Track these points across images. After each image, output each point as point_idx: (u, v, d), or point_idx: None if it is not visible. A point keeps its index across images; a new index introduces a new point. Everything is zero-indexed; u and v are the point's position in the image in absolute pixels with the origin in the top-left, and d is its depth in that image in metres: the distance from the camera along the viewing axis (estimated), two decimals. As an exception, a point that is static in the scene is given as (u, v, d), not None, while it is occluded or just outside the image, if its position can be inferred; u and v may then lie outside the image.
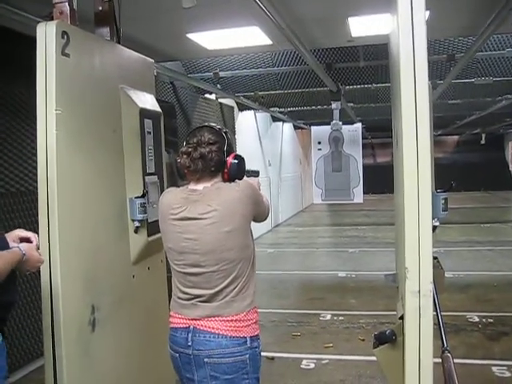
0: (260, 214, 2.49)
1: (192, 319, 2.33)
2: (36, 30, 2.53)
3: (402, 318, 2.14)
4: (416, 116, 2.02)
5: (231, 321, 2.30)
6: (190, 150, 2.34)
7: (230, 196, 2.31)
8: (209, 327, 2.30)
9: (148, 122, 3.24)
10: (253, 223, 2.44)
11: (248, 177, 2.70)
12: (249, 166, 2.71)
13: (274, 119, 14.61)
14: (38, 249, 2.39)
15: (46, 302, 2.53)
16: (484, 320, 5.82)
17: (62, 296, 2.50)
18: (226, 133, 2.45)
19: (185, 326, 2.35)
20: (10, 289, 2.25)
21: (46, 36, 2.47)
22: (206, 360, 2.29)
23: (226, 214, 2.28)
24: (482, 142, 21.12)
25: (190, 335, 2.33)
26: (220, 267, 2.29)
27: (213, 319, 2.30)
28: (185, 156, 2.35)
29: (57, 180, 2.50)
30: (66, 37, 2.52)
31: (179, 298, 2.41)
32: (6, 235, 2.36)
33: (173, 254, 2.40)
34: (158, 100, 3.55)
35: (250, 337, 2.33)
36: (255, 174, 2.76)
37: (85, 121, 2.72)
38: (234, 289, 2.32)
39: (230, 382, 2.30)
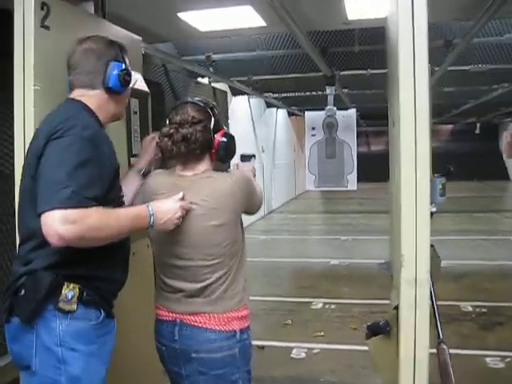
0: (252, 207, 2.32)
1: (178, 313, 2.21)
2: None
3: (396, 308, 2.04)
4: (415, 98, 1.94)
5: (219, 317, 2.17)
6: (171, 131, 2.14)
7: (221, 188, 2.15)
8: (196, 321, 2.17)
9: (134, 102, 3.09)
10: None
11: (243, 161, 2.55)
12: (243, 151, 2.57)
13: (268, 105, 14.47)
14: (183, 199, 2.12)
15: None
16: (477, 310, 5.77)
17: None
18: (212, 108, 2.23)
19: (171, 319, 2.23)
20: (122, 266, 2.20)
21: (24, 7, 2.32)
22: (193, 355, 2.17)
23: (215, 207, 2.12)
24: (477, 131, 21.10)
25: (176, 329, 2.20)
26: (206, 262, 2.15)
27: (200, 315, 2.17)
28: (166, 139, 2.16)
29: (35, 161, 2.37)
30: (45, 8, 2.37)
31: (163, 289, 2.28)
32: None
33: (156, 243, 2.26)
34: (146, 80, 3.42)
35: (240, 329, 2.20)
36: (250, 158, 2.57)
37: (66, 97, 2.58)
38: (222, 285, 2.17)
39: (219, 377, 2.17)
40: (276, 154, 16.23)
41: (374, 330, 2.14)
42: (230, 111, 10.60)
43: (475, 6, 4.40)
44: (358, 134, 7.97)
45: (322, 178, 7.19)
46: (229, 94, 10.54)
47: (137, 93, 3.14)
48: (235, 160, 2.47)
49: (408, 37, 1.94)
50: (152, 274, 3.37)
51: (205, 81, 8.93)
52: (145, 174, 2.44)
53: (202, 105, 2.21)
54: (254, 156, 2.60)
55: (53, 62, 2.48)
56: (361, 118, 17.02)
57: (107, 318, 2.09)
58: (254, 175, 2.48)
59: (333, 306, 6.12)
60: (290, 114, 17.97)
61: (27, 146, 2.36)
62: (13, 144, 3.93)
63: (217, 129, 2.21)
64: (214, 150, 2.21)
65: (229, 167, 2.42)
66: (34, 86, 2.34)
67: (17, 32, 2.35)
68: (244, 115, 12.62)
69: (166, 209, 2.06)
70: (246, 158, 2.56)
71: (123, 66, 2.17)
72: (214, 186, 2.15)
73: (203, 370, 2.18)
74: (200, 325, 2.17)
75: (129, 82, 2.22)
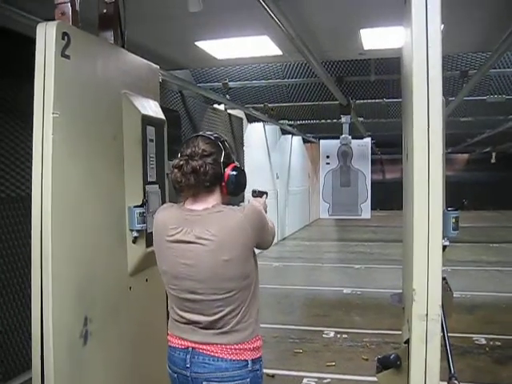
0: (264, 242, 2.29)
1: (191, 342, 2.21)
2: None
3: (407, 342, 2.03)
4: (428, 131, 1.92)
5: (232, 348, 2.17)
6: (181, 163, 2.15)
7: (231, 222, 2.13)
8: (208, 350, 2.17)
9: (150, 130, 3.14)
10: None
11: (254, 197, 2.57)
12: (256, 186, 2.58)
13: (284, 132, 14.52)
14: None
15: (35, 312, 2.42)
16: (491, 343, 5.67)
17: (53, 306, 2.39)
18: (223, 142, 2.25)
19: (183, 346, 2.23)
20: None
21: (46, 36, 2.38)
22: (204, 383, 2.17)
23: (226, 242, 2.11)
24: (493, 160, 20.97)
25: (188, 356, 2.20)
26: (218, 296, 2.14)
27: (213, 345, 2.17)
28: (176, 170, 2.16)
29: (52, 186, 2.39)
30: (66, 38, 2.43)
31: (176, 320, 2.27)
32: None
33: (168, 277, 2.25)
34: (162, 108, 3.46)
35: (252, 359, 2.19)
36: (262, 194, 2.58)
37: (84, 125, 2.62)
38: (235, 317, 2.17)
39: None
40: (290, 180, 16.23)
41: (385, 364, 2.12)
42: (245, 137, 10.65)
43: (491, 38, 4.43)
44: (373, 162, 7.97)
45: (336, 206, 7.18)
46: (244, 120, 10.61)
47: (153, 121, 3.19)
48: (247, 194, 2.48)
49: (422, 69, 1.94)
50: (164, 299, 3.37)
51: (221, 107, 9.01)
52: None
53: (212, 138, 2.23)
54: (266, 193, 2.61)
55: (72, 91, 2.53)
56: (376, 146, 17.03)
57: None
58: (266, 212, 2.47)
59: (345, 336, 6.05)
60: (305, 141, 18.00)
61: (44, 172, 2.41)
62: (23, 169, 4.07)
63: (227, 162, 2.22)
64: (223, 183, 2.21)
65: (242, 199, 2.42)
66: (53, 113, 2.39)
67: (38, 60, 2.40)
68: (259, 142, 12.67)
69: None
70: (257, 194, 2.57)
71: None
72: (224, 221, 2.13)
73: None
74: (212, 354, 2.17)
75: None
